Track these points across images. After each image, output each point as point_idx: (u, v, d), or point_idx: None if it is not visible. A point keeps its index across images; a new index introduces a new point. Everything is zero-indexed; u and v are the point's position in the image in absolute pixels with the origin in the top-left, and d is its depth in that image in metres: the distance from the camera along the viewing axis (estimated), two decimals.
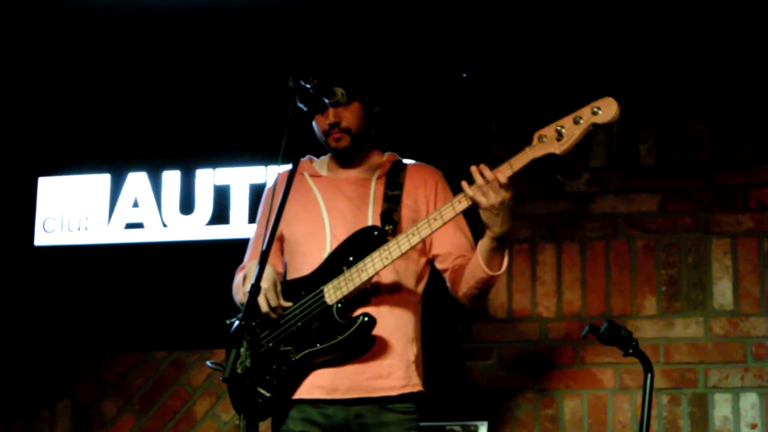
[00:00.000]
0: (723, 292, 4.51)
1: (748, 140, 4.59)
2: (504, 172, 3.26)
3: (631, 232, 4.62)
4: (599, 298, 4.60)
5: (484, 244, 3.38)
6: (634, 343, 3.52)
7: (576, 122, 3.21)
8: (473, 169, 3.27)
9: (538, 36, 4.78)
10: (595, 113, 3.20)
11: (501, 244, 3.36)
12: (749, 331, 4.47)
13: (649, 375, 3.51)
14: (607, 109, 3.20)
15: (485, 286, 3.47)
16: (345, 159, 3.65)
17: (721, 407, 4.44)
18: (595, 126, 3.21)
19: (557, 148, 3.23)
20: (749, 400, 4.43)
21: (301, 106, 3.43)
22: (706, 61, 4.65)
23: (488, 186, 3.25)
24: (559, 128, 3.22)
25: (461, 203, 3.33)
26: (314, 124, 3.59)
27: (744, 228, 4.54)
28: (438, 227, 3.36)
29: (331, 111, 3.52)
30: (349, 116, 3.55)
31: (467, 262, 3.50)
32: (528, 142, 3.28)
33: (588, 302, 4.61)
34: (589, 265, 4.64)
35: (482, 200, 3.26)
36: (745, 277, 4.51)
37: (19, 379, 5.08)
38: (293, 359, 3.44)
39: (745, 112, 4.60)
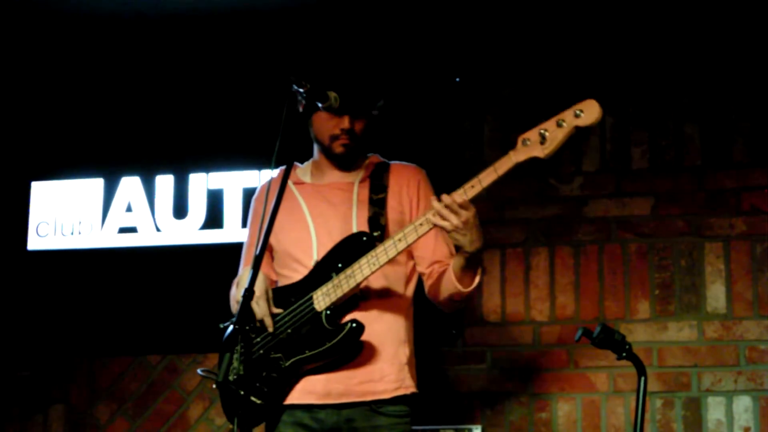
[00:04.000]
0: (716, 295, 4.52)
1: (740, 144, 4.60)
2: (489, 176, 3.26)
3: (624, 235, 4.63)
4: (593, 302, 4.61)
5: (456, 261, 3.42)
6: (627, 347, 3.52)
7: (559, 125, 3.22)
8: (433, 200, 3.29)
9: (531, 40, 4.79)
10: (577, 116, 3.20)
11: (473, 262, 3.40)
12: (742, 334, 4.47)
13: (643, 378, 3.51)
14: (589, 112, 3.20)
15: (458, 300, 3.50)
16: (342, 163, 3.66)
17: (714, 410, 4.44)
18: (578, 129, 3.22)
19: (541, 152, 3.23)
20: (742, 404, 4.43)
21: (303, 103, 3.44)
22: (698, 65, 4.66)
23: (446, 210, 3.26)
24: (542, 132, 3.23)
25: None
26: (314, 125, 3.60)
27: (737, 231, 4.55)
28: (425, 232, 3.37)
29: (347, 117, 3.53)
30: (360, 125, 3.58)
31: (444, 270, 3.53)
32: (510, 137, 3.28)
33: (581, 306, 4.62)
34: (583, 269, 4.64)
35: (445, 224, 3.28)
36: (738, 280, 4.51)
37: (13, 384, 5.07)
38: (283, 366, 3.44)
39: (737, 116, 4.61)
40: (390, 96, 3.69)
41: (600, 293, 4.61)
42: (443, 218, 3.27)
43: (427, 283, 3.61)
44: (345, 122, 3.54)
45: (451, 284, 3.45)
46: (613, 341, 3.52)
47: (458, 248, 3.36)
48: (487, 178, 3.27)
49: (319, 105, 3.43)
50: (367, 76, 3.61)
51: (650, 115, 4.69)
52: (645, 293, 4.57)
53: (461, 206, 3.26)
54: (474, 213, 3.28)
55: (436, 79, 4.82)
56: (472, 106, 4.84)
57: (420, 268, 3.63)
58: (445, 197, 3.27)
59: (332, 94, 3.44)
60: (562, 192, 4.72)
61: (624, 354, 3.52)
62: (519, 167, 3.26)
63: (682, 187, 4.62)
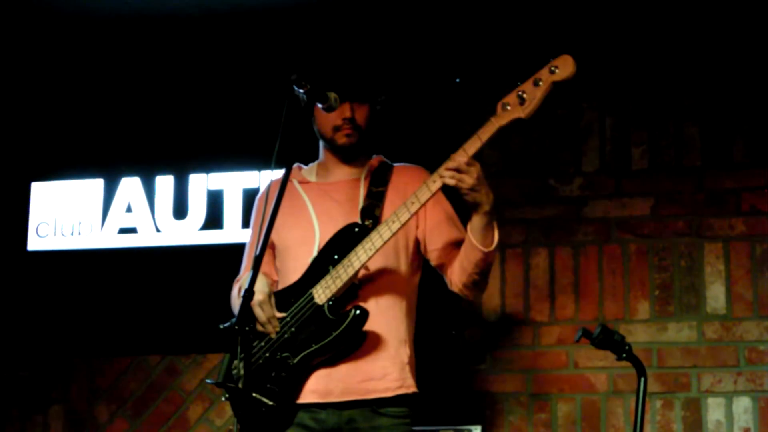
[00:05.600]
0: (716, 296, 4.52)
1: (740, 144, 4.60)
2: (473, 144, 3.29)
3: (623, 236, 4.63)
4: (592, 303, 4.61)
5: (473, 224, 3.39)
6: (627, 348, 3.52)
7: (536, 84, 3.26)
8: (442, 166, 3.31)
9: (531, 40, 4.78)
10: (552, 72, 3.25)
11: (490, 218, 3.38)
12: (742, 335, 4.47)
13: (643, 379, 3.51)
14: (564, 66, 3.26)
15: (484, 266, 3.46)
16: (347, 156, 3.66)
17: (714, 411, 4.44)
18: (555, 84, 3.24)
19: (521, 112, 3.27)
20: (742, 404, 4.43)
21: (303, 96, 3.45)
22: (698, 65, 4.66)
23: (458, 171, 3.28)
24: (520, 93, 3.26)
25: (435, 183, 3.35)
26: (317, 121, 3.60)
27: (737, 232, 4.55)
28: (416, 210, 3.37)
29: (347, 105, 3.53)
30: (362, 114, 3.58)
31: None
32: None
33: (581, 307, 4.62)
34: (582, 270, 4.64)
35: (462, 184, 3.29)
36: (737, 281, 4.51)
37: (12, 384, 5.07)
38: (291, 364, 3.44)
39: (737, 116, 4.61)
40: (391, 91, 3.69)
41: (600, 294, 4.61)
42: (458, 180, 3.28)
43: (449, 270, 3.58)
44: (346, 111, 3.54)
45: (473, 251, 3.42)
46: (612, 342, 3.52)
47: (473, 209, 3.36)
48: (471, 146, 3.29)
49: (320, 105, 3.44)
50: (365, 62, 3.60)
51: (650, 115, 4.69)
52: (645, 294, 4.57)
53: (468, 164, 3.27)
54: (479, 166, 3.30)
55: (436, 80, 4.82)
56: (472, 107, 4.84)
57: (438, 261, 3.61)
58: (452, 159, 3.27)
59: (332, 95, 3.44)
60: (562, 192, 4.72)
61: (624, 354, 3.53)
62: (502, 132, 3.28)
63: (681, 187, 4.62)
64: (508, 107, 3.27)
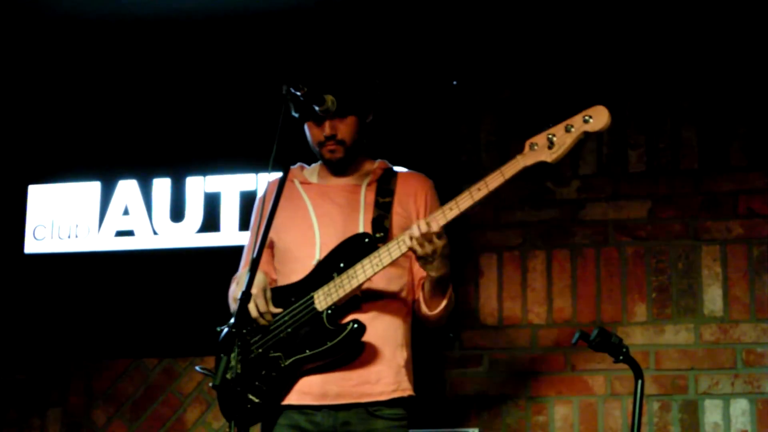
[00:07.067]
0: (713, 298, 4.52)
1: (737, 147, 4.60)
2: (495, 180, 3.29)
3: (621, 239, 4.63)
4: (590, 305, 4.61)
5: (425, 285, 3.52)
6: (624, 350, 3.52)
7: (567, 130, 3.23)
8: (415, 225, 3.34)
9: (528, 43, 4.79)
10: (586, 121, 3.22)
11: (440, 287, 3.48)
12: (739, 337, 4.48)
13: (640, 381, 3.52)
14: (598, 118, 3.22)
15: (428, 323, 3.60)
16: (337, 169, 3.65)
17: (711, 414, 4.44)
18: (586, 134, 3.23)
19: (548, 156, 3.25)
20: (740, 407, 4.43)
21: (294, 114, 3.44)
22: (695, 67, 4.66)
23: (423, 238, 3.31)
24: (550, 136, 3.24)
25: (452, 211, 3.34)
26: (307, 132, 3.59)
27: (734, 234, 4.55)
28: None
29: (327, 123, 3.52)
30: (345, 129, 3.56)
31: None
32: (519, 149, 3.29)
33: (578, 309, 4.62)
34: (580, 272, 4.64)
35: (418, 250, 3.33)
36: (735, 283, 4.52)
37: (10, 387, 5.07)
38: (282, 365, 3.44)
39: (734, 119, 4.62)
40: (374, 103, 3.65)
41: (597, 296, 4.61)
42: (419, 245, 3.32)
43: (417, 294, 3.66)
44: (326, 128, 3.54)
45: (420, 308, 3.57)
46: (610, 344, 3.52)
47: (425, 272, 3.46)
48: (494, 181, 3.29)
49: (317, 108, 3.43)
50: (343, 77, 3.55)
51: (647, 118, 4.69)
52: (642, 296, 4.57)
53: (437, 235, 3.31)
54: (444, 243, 3.35)
55: (433, 82, 4.82)
56: (468, 109, 4.84)
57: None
58: (423, 225, 3.31)
59: (329, 98, 3.44)
60: (559, 195, 4.72)
61: (621, 357, 3.53)
62: (526, 171, 3.28)
63: (679, 190, 4.62)
64: (536, 148, 3.26)
